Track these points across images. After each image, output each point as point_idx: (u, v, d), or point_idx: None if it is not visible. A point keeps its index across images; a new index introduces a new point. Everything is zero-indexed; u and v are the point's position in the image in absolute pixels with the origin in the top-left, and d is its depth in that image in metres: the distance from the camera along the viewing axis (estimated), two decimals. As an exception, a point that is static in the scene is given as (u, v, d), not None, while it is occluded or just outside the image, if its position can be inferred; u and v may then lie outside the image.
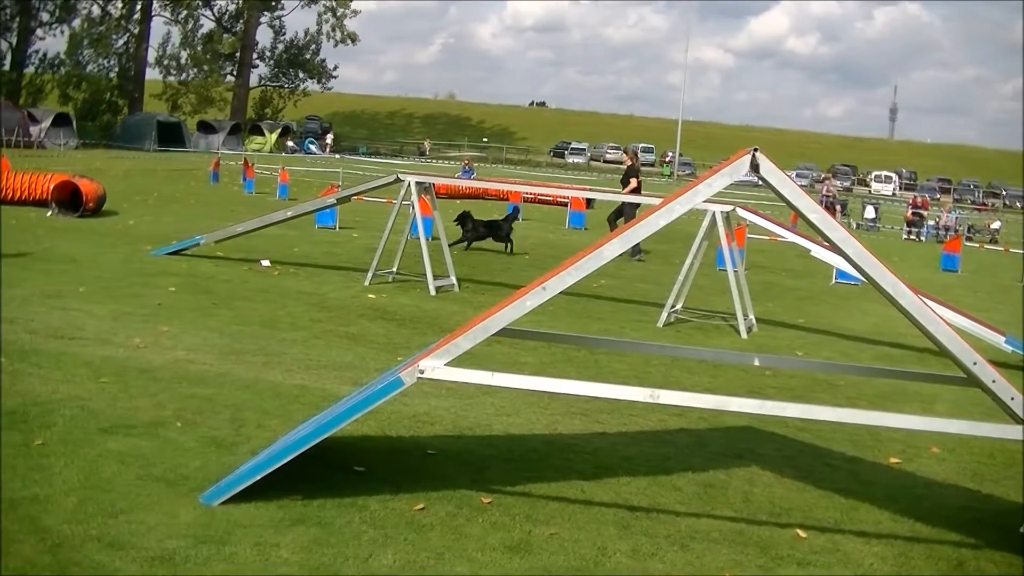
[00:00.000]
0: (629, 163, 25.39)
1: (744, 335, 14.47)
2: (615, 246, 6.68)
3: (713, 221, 15.17)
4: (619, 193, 24.98)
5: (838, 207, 43.64)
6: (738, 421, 9.40)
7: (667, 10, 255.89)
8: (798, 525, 7.06)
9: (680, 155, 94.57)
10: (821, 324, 16.17)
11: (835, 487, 7.98)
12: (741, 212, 15.92)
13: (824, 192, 45.02)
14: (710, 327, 15.09)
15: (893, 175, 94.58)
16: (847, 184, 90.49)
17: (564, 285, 6.72)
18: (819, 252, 15.88)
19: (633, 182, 24.15)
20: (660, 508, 7.22)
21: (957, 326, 10.31)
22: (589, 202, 32.56)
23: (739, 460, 8.51)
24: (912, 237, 40.08)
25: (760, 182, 6.67)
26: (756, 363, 9.17)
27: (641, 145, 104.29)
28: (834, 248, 6.83)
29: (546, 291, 6.65)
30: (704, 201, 7.40)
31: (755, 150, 6.55)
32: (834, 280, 21.25)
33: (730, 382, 11.26)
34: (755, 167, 6.51)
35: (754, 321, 15.25)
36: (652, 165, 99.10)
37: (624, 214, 23.22)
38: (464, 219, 22.62)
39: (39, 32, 77.55)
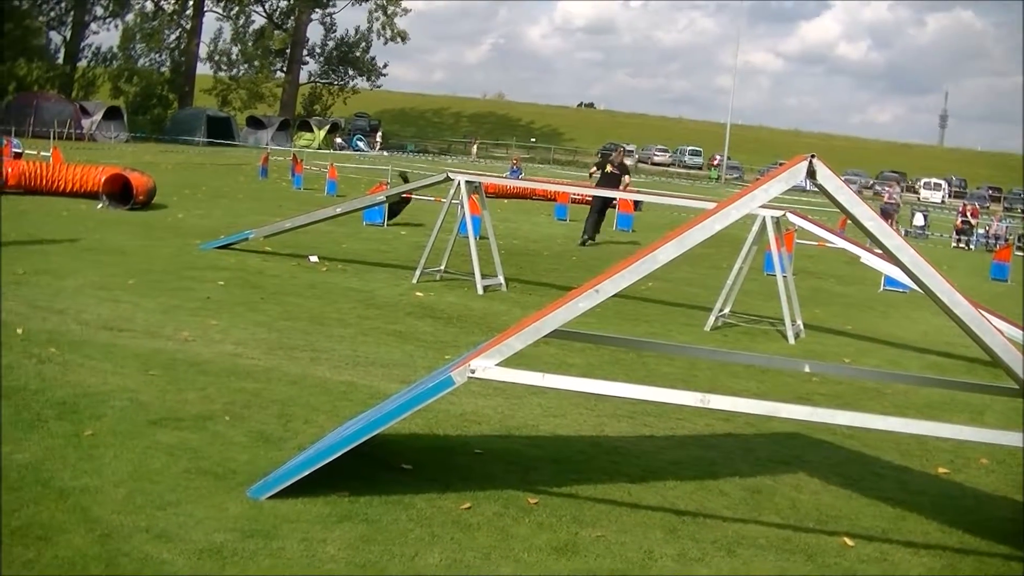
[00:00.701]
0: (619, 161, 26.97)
1: (792, 341, 14.40)
2: (670, 249, 6.65)
3: (763, 226, 15.10)
4: (666, 195, 25.33)
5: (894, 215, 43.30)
6: (785, 427, 9.36)
7: (717, 13, 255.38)
8: (845, 533, 7.02)
9: (728, 159, 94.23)
10: (869, 331, 16.07)
11: (882, 496, 7.92)
12: (791, 217, 15.84)
13: (887, 199, 44.39)
14: (757, 332, 15.02)
15: (943, 182, 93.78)
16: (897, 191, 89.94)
17: (618, 288, 6.70)
18: (868, 259, 15.79)
19: (627, 179, 26.34)
20: (707, 513, 7.19)
21: (1009, 336, 10.21)
22: (636, 204, 32.47)
23: (786, 466, 8.47)
24: (961, 245, 39.83)
25: (816, 188, 6.63)
26: (807, 369, 9.11)
27: (690, 148, 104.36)
28: (889, 256, 6.78)
29: (599, 293, 6.63)
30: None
31: (812, 156, 6.51)
32: (882, 287, 21.13)
33: (777, 388, 11.21)
34: (812, 173, 6.47)
35: (802, 327, 15.16)
36: (700, 168, 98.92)
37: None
38: None
39: (93, 26, 78.29)
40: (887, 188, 48.02)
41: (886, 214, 41.42)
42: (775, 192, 6.72)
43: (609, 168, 26.38)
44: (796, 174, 6.58)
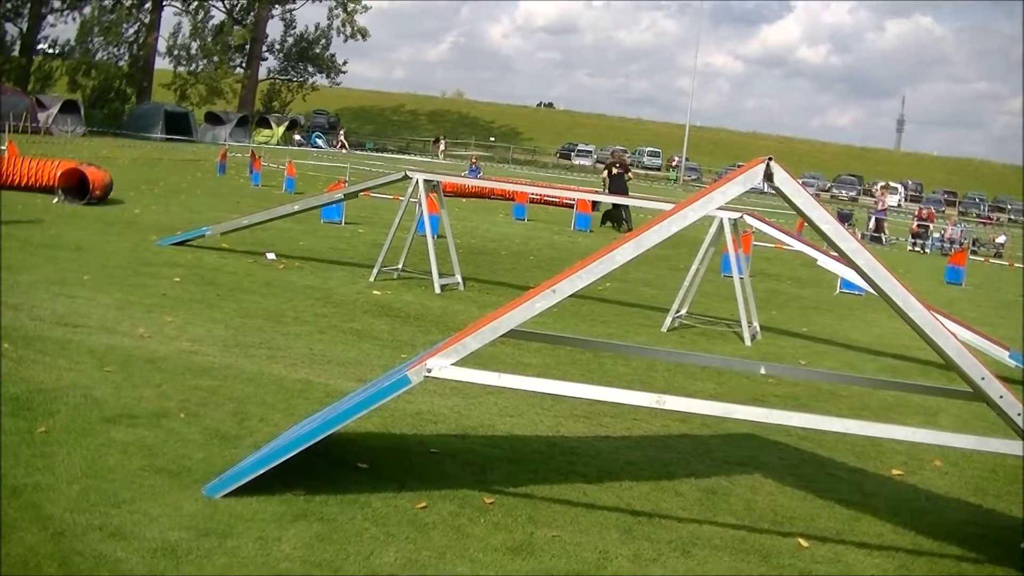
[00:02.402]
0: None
1: (748, 342, 14.46)
2: (627, 250, 6.67)
3: (721, 227, 15.16)
4: (624, 196, 25.66)
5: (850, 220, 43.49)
6: (741, 428, 9.40)
7: (679, 15, 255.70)
8: (800, 534, 7.05)
9: (687, 160, 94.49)
10: (825, 334, 16.15)
11: (838, 497, 7.97)
12: (748, 219, 15.91)
13: (880, 208, 44.15)
14: (714, 333, 15.08)
15: (899, 186, 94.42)
16: (852, 194, 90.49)
17: (574, 288, 6.71)
18: (825, 261, 15.86)
19: (630, 173, 31.84)
20: (663, 513, 7.21)
21: (963, 340, 10.29)
22: (595, 204, 32.54)
23: (742, 468, 8.50)
24: (917, 249, 40.08)
25: (773, 191, 6.67)
26: (762, 371, 9.14)
27: (648, 149, 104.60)
28: (845, 259, 6.82)
29: (556, 294, 6.64)
30: (711, 208, 7.38)
31: (769, 159, 6.54)
32: (839, 290, 21.25)
33: (734, 389, 11.26)
34: (769, 176, 6.51)
35: (758, 329, 15.24)
36: (658, 169, 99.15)
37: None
38: None
39: (50, 18, 77.70)
40: (879, 197, 47.69)
41: (844, 218, 41.65)
42: (733, 194, 6.75)
43: (615, 170, 32.83)
44: (753, 176, 6.61)
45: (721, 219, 15.06)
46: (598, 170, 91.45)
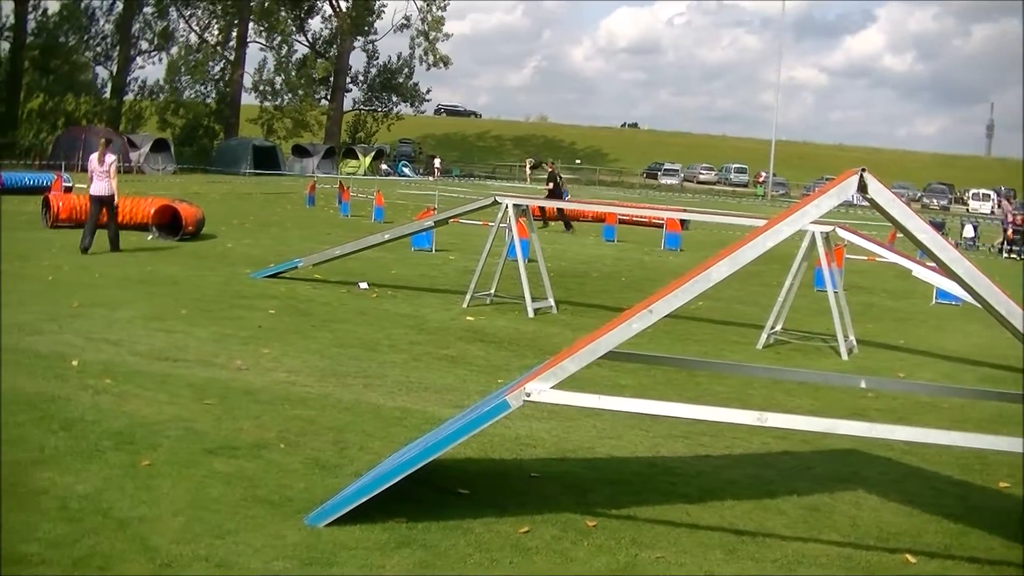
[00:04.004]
0: (550, 170, 36.00)
1: (845, 356, 14.30)
2: (723, 268, 6.63)
3: (813, 241, 15.02)
4: (713, 213, 25.41)
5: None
6: (841, 444, 9.28)
7: (762, 30, 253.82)
8: (907, 550, 6.95)
9: (774, 175, 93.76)
10: (922, 345, 15.93)
11: (943, 512, 7.84)
12: (841, 232, 15.75)
13: (1009, 220, 42.93)
14: (810, 348, 14.93)
15: (991, 193, 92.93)
16: (943, 203, 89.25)
17: (671, 308, 6.68)
18: (920, 272, 15.67)
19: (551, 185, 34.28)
20: (766, 532, 7.14)
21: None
22: (684, 223, 32.36)
23: (844, 484, 8.39)
24: (1013, 256, 39.43)
25: (867, 203, 6.59)
26: (863, 385, 9.03)
27: (735, 165, 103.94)
28: (944, 270, 6.73)
29: (653, 314, 6.61)
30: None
31: (863, 170, 6.47)
32: (934, 300, 20.96)
33: (832, 404, 11.12)
34: (863, 187, 6.44)
35: (855, 342, 15.06)
36: (745, 185, 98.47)
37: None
38: None
39: (139, 60, 78.99)
40: (1005, 207, 46.64)
41: (936, 227, 40.98)
42: (827, 207, 6.69)
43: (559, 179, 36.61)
44: (847, 188, 6.55)
45: (813, 233, 14.92)
46: (685, 189, 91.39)
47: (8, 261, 17.68)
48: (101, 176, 20.23)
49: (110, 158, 20.57)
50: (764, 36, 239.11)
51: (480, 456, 8.35)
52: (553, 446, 8.83)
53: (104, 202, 20.31)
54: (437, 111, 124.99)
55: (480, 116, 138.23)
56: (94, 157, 20.45)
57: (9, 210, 27.74)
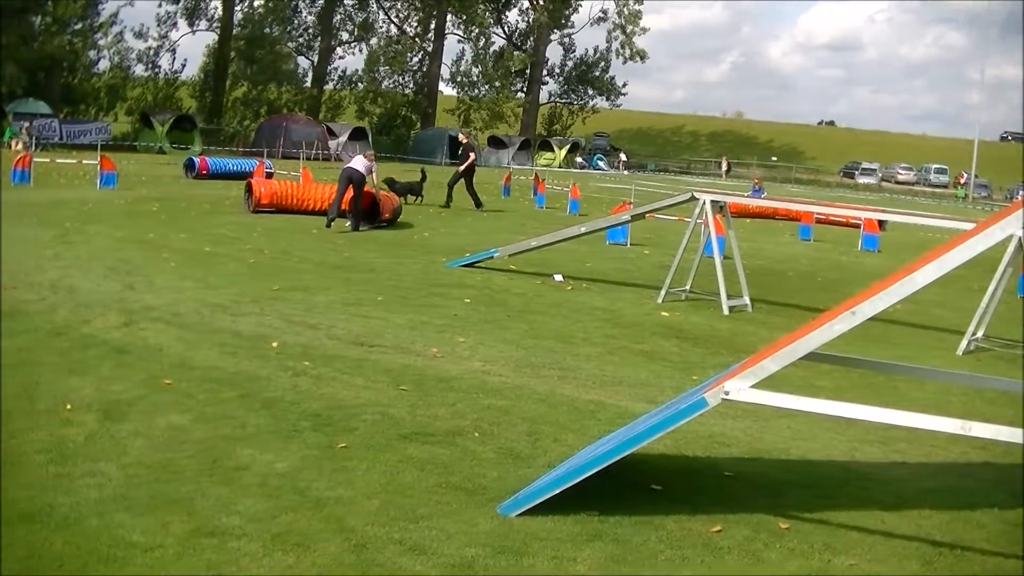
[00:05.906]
0: (465, 141, 34.79)
1: (1052, 367, 13.81)
2: (929, 271, 6.43)
3: (1019, 246, 14.52)
4: (912, 214, 24.71)
5: None
6: (1049, 457, 8.94)
7: (968, 27, 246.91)
8: (1121, 573, 6.66)
9: (976, 176, 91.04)
10: None
11: None
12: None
13: None
14: (1014, 357, 14.43)
15: None
16: None
17: (875, 310, 6.53)
18: None
19: (471, 156, 32.82)
20: (964, 545, 6.90)
21: None
22: (882, 224, 31.64)
23: (1051, 499, 8.09)
24: None
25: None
26: (1074, 396, 8.69)
27: (935, 166, 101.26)
28: None
29: (856, 316, 6.46)
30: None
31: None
32: None
33: (1039, 416, 10.74)
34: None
35: (1063, 352, 14.53)
36: (946, 187, 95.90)
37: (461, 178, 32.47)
38: (391, 182, 30.79)
39: (339, 51, 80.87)
40: None
41: None
42: (1045, 209, 6.43)
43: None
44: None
45: (1020, 237, 14.41)
46: (883, 188, 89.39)
47: (213, 244, 18.21)
48: (367, 159, 22.64)
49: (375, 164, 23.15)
50: (970, 33, 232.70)
51: (673, 453, 8.27)
52: (747, 446, 8.70)
53: (353, 180, 21.71)
54: (1003, 138, 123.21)
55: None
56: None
57: (214, 195, 28.61)
